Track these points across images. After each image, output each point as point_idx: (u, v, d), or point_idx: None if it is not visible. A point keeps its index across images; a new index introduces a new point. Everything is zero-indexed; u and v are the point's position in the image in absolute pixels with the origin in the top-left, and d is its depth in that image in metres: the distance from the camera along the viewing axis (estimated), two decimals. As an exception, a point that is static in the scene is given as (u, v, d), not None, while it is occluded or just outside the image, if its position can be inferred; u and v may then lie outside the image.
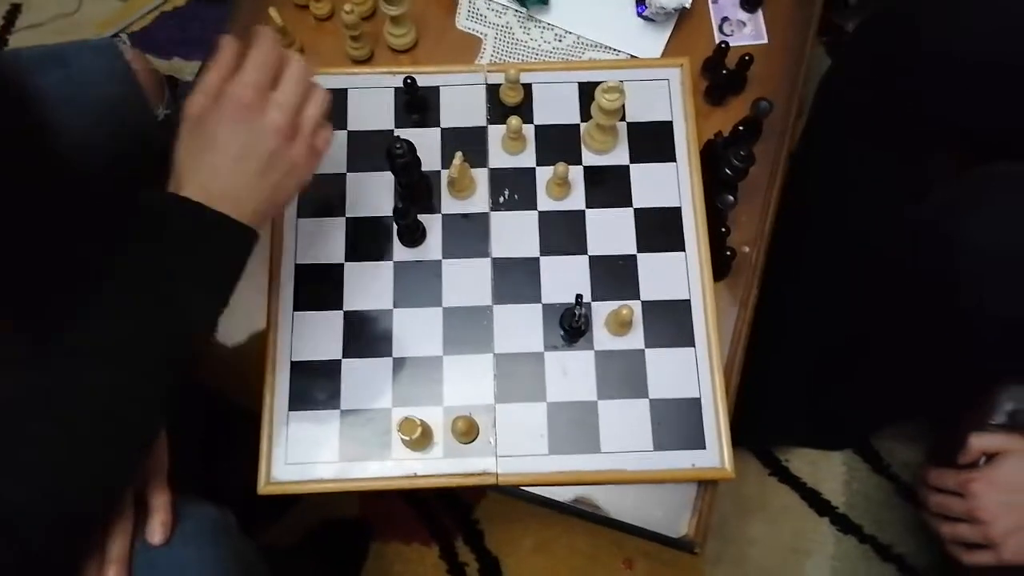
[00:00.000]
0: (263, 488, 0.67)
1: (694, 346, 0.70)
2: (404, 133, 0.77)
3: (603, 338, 0.71)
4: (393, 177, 0.74)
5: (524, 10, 0.84)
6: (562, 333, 0.71)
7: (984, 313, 0.71)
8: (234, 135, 0.55)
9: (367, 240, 0.73)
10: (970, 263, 0.70)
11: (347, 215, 0.74)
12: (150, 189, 0.79)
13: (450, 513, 1.14)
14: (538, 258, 0.73)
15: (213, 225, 0.55)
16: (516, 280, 0.72)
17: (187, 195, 0.54)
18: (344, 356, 0.70)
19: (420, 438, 0.65)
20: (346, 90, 0.78)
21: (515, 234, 0.74)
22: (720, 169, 0.71)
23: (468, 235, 0.74)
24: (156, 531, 0.57)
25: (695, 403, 0.69)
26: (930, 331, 0.80)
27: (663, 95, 0.78)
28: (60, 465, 0.51)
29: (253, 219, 0.56)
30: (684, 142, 0.76)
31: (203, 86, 0.57)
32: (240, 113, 0.55)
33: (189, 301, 0.55)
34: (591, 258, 0.73)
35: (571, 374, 0.70)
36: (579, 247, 0.73)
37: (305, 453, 0.68)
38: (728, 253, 0.72)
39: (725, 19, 0.84)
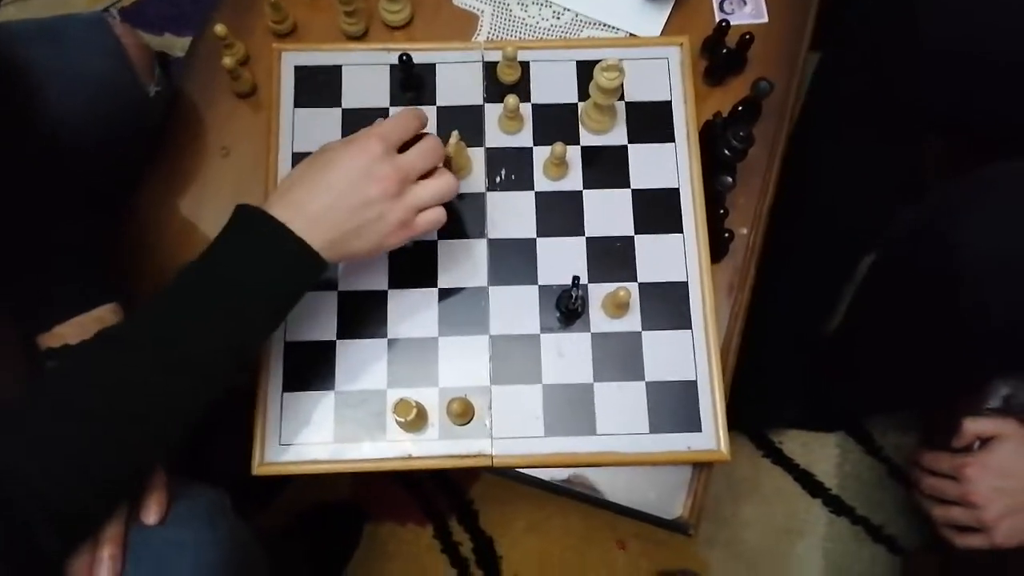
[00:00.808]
0: (257, 469, 0.67)
1: (691, 328, 0.70)
2: (399, 111, 0.75)
3: (599, 320, 0.70)
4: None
5: (522, -14, 0.82)
6: (558, 315, 0.70)
7: (981, 313, 0.71)
8: (346, 169, 0.58)
9: (362, 220, 0.73)
10: (968, 265, 0.70)
11: (342, 194, 0.73)
12: (142, 165, 0.78)
13: (444, 494, 1.14)
14: (535, 239, 0.72)
15: (290, 247, 0.56)
16: (512, 261, 0.72)
17: (276, 211, 0.56)
18: (339, 337, 0.69)
19: (415, 420, 0.64)
20: (340, 67, 0.77)
21: (511, 215, 0.73)
22: (719, 150, 0.70)
23: (464, 216, 0.73)
24: (151, 510, 0.57)
25: (691, 385, 0.69)
26: (925, 326, 0.80)
27: (662, 74, 0.77)
28: (87, 463, 0.51)
29: (324, 247, 0.57)
30: (683, 122, 0.75)
31: (352, 134, 0.61)
32: (361, 154, 0.58)
33: (249, 313, 0.57)
34: (588, 239, 0.72)
35: (567, 356, 0.70)
36: (576, 228, 0.73)
37: (299, 434, 0.67)
38: (726, 235, 0.72)
39: (725, -3, 0.82)
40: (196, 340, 0.55)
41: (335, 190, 0.57)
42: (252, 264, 0.56)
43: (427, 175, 0.61)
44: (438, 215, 0.62)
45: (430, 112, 0.76)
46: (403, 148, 0.61)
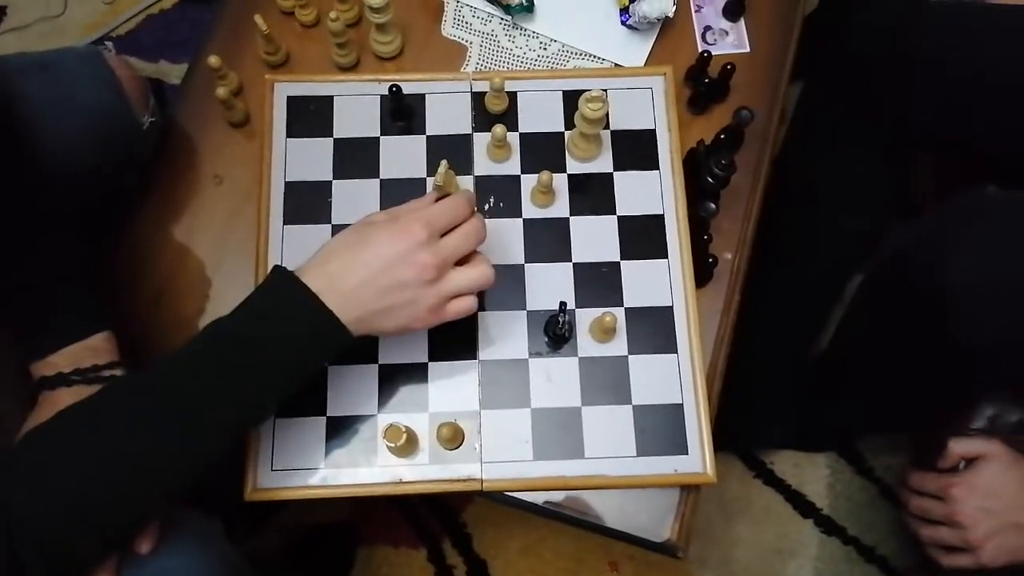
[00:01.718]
0: (249, 495, 0.67)
1: (677, 352, 0.71)
2: (389, 140, 0.77)
3: (587, 345, 0.71)
4: (379, 186, 0.75)
5: (509, 18, 0.84)
6: (546, 340, 0.71)
7: (969, 337, 0.71)
8: (385, 249, 0.58)
9: (353, 247, 0.74)
10: (957, 289, 0.71)
11: (333, 222, 0.74)
12: (136, 194, 0.79)
13: (438, 518, 1.14)
14: (523, 265, 0.73)
15: (320, 318, 0.56)
16: (501, 287, 0.72)
17: (310, 280, 0.57)
18: (330, 363, 0.70)
19: (405, 445, 0.65)
20: (332, 97, 0.79)
21: (500, 241, 0.74)
22: (702, 177, 0.72)
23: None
24: (143, 540, 0.57)
25: (678, 409, 0.70)
26: (914, 348, 0.81)
27: (646, 103, 0.79)
28: (85, 507, 0.51)
29: (352, 323, 0.57)
30: (667, 150, 0.77)
31: (396, 208, 0.62)
32: (402, 236, 0.58)
33: (267, 377, 0.57)
34: (575, 265, 0.73)
35: (555, 380, 0.70)
36: (563, 254, 0.74)
37: (291, 459, 0.68)
38: (710, 260, 0.73)
39: (708, 28, 0.84)
40: (210, 398, 0.55)
41: (371, 270, 0.57)
42: (279, 329, 0.57)
43: (466, 258, 0.62)
44: (469, 305, 0.62)
45: (420, 141, 0.77)
46: None
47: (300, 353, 0.58)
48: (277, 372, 0.57)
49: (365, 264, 0.57)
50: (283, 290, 0.57)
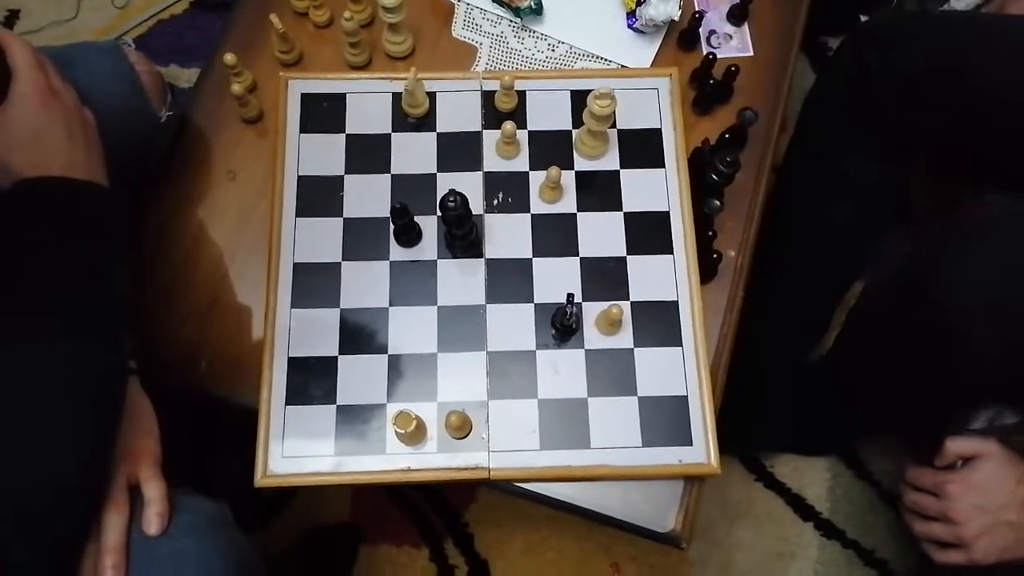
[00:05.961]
0: (260, 480, 0.68)
1: (681, 345, 0.72)
2: (400, 137, 0.79)
3: (593, 337, 0.73)
4: (390, 181, 0.77)
5: (518, 20, 0.86)
6: (553, 332, 0.73)
7: (968, 353, 0.72)
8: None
9: (364, 240, 0.75)
10: (956, 306, 0.71)
11: (344, 215, 0.76)
12: (151, 189, 0.81)
13: (440, 516, 1.15)
14: (531, 259, 0.75)
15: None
16: (509, 280, 0.74)
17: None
18: (340, 353, 0.72)
19: (414, 432, 0.66)
20: (344, 95, 0.80)
21: (508, 236, 0.76)
22: (707, 175, 0.73)
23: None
24: (152, 521, 0.58)
25: (682, 401, 0.71)
26: (914, 361, 0.81)
27: (652, 104, 0.80)
28: (47, 445, 0.53)
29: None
30: (673, 149, 0.79)
31: None
32: None
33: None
34: (582, 260, 0.75)
35: (562, 372, 0.72)
36: (571, 249, 0.75)
37: (302, 447, 0.69)
38: (715, 256, 0.75)
39: (712, 32, 0.86)
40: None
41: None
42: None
43: None
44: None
45: (431, 138, 0.79)
46: None
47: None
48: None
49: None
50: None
